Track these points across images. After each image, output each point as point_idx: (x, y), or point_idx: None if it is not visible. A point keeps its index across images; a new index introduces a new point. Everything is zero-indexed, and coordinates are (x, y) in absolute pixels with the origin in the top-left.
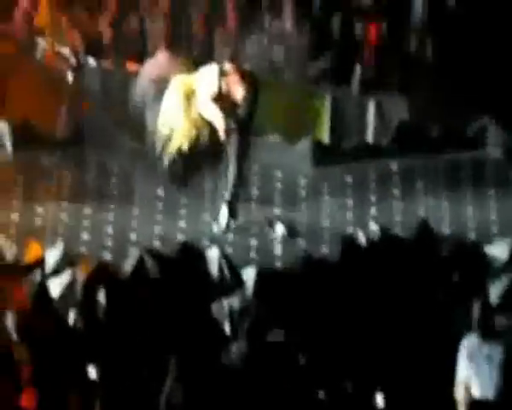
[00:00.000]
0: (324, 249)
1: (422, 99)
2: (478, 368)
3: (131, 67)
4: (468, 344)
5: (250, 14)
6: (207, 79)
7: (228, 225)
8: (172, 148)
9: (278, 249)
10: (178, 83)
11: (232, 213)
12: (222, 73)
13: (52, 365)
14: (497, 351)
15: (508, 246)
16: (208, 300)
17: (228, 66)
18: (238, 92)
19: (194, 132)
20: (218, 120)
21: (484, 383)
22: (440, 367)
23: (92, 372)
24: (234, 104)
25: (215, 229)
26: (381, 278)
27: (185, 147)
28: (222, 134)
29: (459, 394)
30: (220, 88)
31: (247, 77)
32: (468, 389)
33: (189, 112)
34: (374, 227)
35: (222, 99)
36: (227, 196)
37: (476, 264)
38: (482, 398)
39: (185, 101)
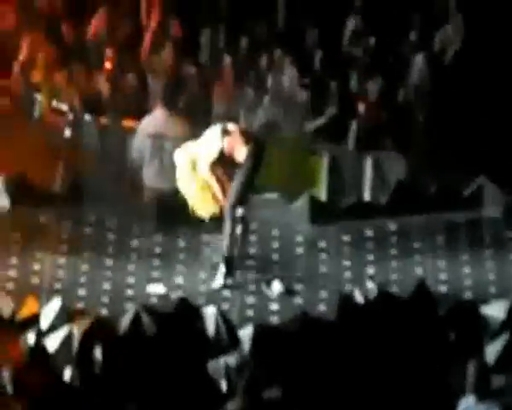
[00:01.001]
0: (321, 308)
1: (419, 158)
2: None
3: (128, 123)
4: (465, 404)
5: (248, 70)
6: (209, 141)
7: (225, 283)
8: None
9: (275, 307)
10: (182, 153)
11: (229, 271)
12: (225, 133)
13: None
14: None
15: (504, 306)
16: (205, 357)
17: (231, 126)
18: (241, 153)
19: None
20: (216, 189)
21: None
22: None
23: None
24: (237, 165)
25: (212, 286)
26: (378, 336)
27: (207, 214)
28: (222, 201)
29: None
30: (223, 149)
31: (250, 138)
32: None
33: (199, 180)
34: (371, 286)
35: (225, 161)
36: (225, 253)
37: (473, 324)
38: None
39: (193, 170)
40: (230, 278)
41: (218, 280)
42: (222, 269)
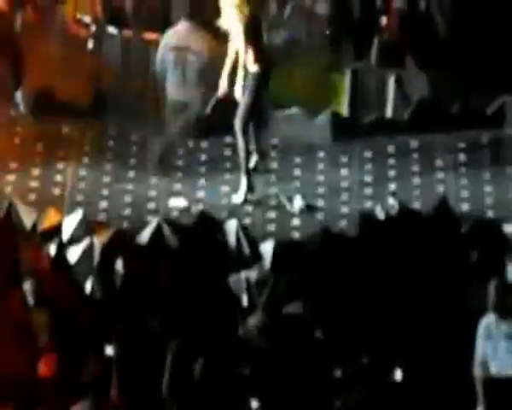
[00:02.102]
0: (342, 223)
1: (442, 75)
2: (496, 346)
3: (151, 36)
4: (486, 322)
5: None
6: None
7: (246, 198)
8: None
9: (296, 222)
10: None
11: (249, 186)
12: None
13: (70, 331)
14: None
15: None
16: (226, 271)
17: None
18: (250, 67)
19: None
20: None
21: (502, 361)
22: (458, 345)
23: (109, 345)
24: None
25: (233, 200)
26: (399, 253)
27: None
28: None
29: (477, 371)
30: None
31: (259, 58)
32: (486, 367)
33: None
34: (392, 202)
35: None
36: (244, 167)
37: (494, 242)
38: (501, 375)
39: None
40: (250, 192)
41: (239, 195)
42: (243, 184)
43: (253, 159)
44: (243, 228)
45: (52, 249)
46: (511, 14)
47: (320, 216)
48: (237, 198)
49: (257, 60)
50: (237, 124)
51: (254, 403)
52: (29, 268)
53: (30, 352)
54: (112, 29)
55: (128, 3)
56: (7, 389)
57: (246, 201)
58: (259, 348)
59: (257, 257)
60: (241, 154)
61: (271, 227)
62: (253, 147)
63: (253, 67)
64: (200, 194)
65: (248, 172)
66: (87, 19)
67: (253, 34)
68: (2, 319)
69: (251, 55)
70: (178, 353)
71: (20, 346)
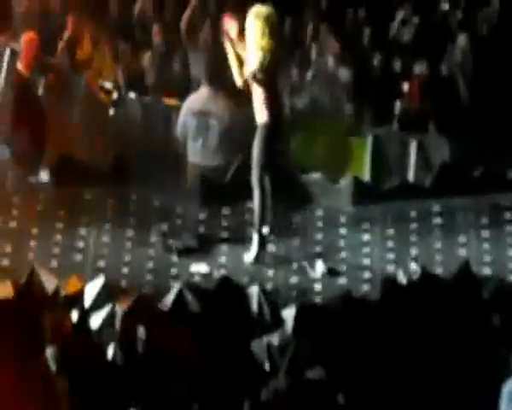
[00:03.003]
0: (365, 288)
1: (464, 139)
2: None
3: (171, 101)
4: (510, 387)
5: (292, 48)
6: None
7: (258, 256)
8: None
9: (318, 287)
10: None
11: (261, 243)
12: None
13: (92, 398)
14: None
15: None
16: (248, 337)
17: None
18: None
19: None
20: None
21: None
22: None
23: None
24: None
25: (245, 259)
26: (421, 318)
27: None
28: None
29: None
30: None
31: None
32: None
33: None
34: (414, 267)
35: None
36: (257, 224)
37: None
38: None
39: None
40: (262, 251)
41: (251, 253)
42: (254, 242)
43: (265, 230)
44: (265, 293)
45: (74, 316)
46: None
47: (342, 281)
48: (248, 257)
49: (267, 111)
50: (252, 179)
51: None
52: (51, 335)
53: None
54: (132, 94)
55: (148, 69)
56: None
57: (257, 259)
58: None
59: (279, 322)
60: (255, 209)
61: (293, 292)
62: (267, 215)
63: (262, 119)
64: (222, 259)
65: (260, 231)
66: (108, 84)
67: (265, 85)
68: (24, 386)
69: (261, 105)
70: None
71: None
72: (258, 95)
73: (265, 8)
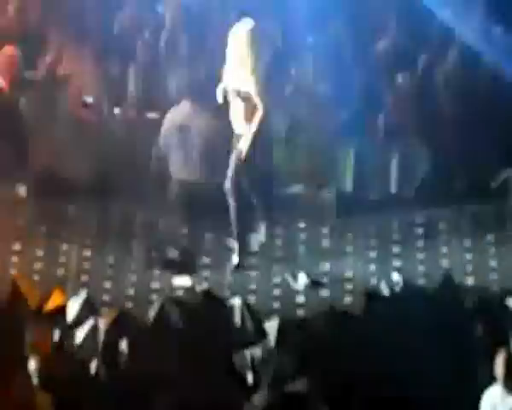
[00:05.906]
0: (347, 300)
1: (446, 151)
2: None
3: (153, 115)
4: (492, 396)
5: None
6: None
7: (240, 263)
8: None
9: (301, 299)
10: None
11: (242, 250)
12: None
13: None
14: None
15: None
16: (231, 349)
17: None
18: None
19: None
20: None
21: None
22: None
23: None
24: None
25: (227, 270)
26: (405, 329)
27: None
28: None
29: None
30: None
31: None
32: None
33: None
34: (397, 278)
35: None
36: (235, 230)
37: (499, 316)
38: None
39: None
40: (244, 257)
41: (233, 260)
42: (235, 248)
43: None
44: (247, 306)
45: (56, 330)
46: None
47: (325, 293)
48: (231, 265)
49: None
50: (226, 185)
51: None
52: (34, 350)
53: None
54: (115, 109)
55: (130, 84)
56: None
57: (239, 266)
58: None
59: (261, 334)
60: (232, 215)
61: (276, 304)
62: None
63: (239, 128)
64: (205, 273)
65: (240, 236)
66: (90, 99)
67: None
68: (6, 400)
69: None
70: None
71: None
72: (238, 107)
73: (247, 25)
